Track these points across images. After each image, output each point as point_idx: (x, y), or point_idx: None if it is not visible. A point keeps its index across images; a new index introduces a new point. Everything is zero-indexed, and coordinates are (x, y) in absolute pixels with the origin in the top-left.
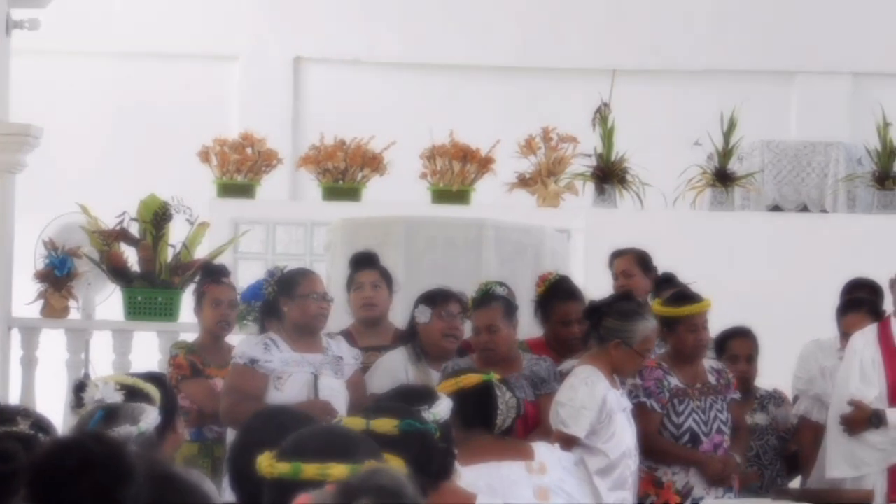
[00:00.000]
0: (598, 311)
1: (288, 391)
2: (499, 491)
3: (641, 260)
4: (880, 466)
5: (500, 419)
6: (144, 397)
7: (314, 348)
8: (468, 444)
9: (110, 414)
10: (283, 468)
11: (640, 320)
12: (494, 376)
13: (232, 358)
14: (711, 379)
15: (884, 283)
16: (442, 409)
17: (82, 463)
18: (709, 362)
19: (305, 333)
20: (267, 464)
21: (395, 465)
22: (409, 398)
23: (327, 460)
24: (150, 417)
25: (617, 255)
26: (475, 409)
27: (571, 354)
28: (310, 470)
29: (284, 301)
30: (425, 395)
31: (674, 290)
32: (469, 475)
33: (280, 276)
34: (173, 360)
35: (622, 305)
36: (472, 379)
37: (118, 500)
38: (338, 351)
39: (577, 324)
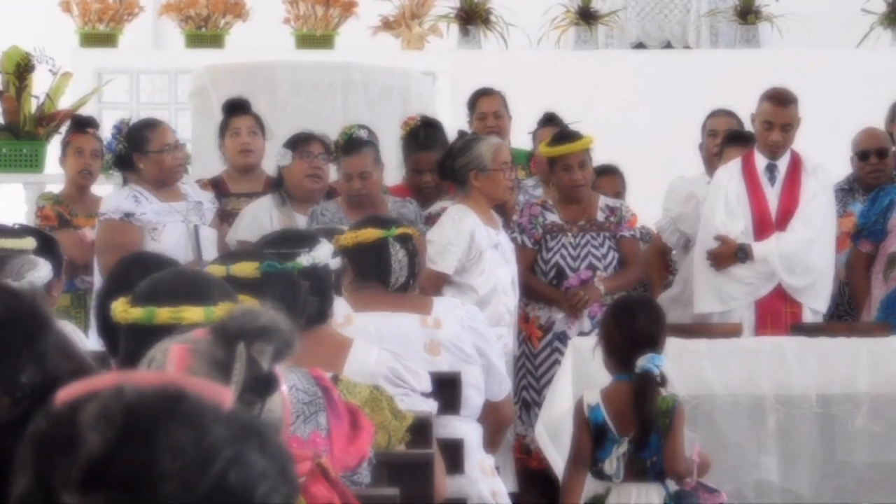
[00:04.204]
0: (444, 165)
1: (165, 242)
2: (388, 340)
3: (505, 100)
4: (747, 300)
5: (394, 277)
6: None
7: (176, 196)
8: (363, 294)
9: None
10: (137, 313)
11: (479, 142)
12: (395, 231)
13: (101, 214)
14: (600, 216)
15: (745, 118)
16: (321, 253)
17: (7, 316)
18: (606, 200)
19: (165, 185)
20: (121, 309)
21: (253, 306)
22: (290, 241)
23: (180, 303)
24: (39, 273)
25: (483, 95)
26: (370, 264)
27: (426, 201)
28: (163, 314)
29: (138, 157)
30: (306, 239)
31: (556, 130)
32: (361, 321)
33: (127, 130)
34: (40, 212)
35: (457, 143)
36: (370, 234)
37: (40, 351)
38: (196, 196)
39: (428, 173)
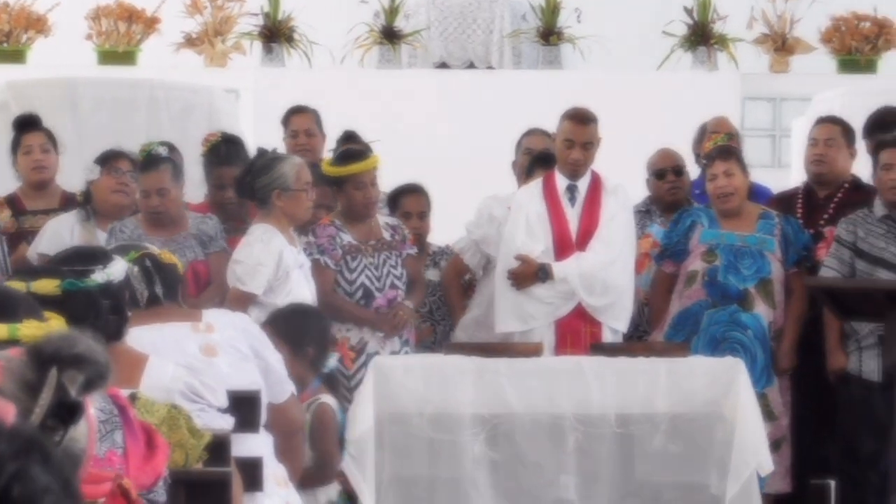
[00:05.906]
0: (243, 183)
1: None
2: (162, 349)
3: (318, 119)
4: (548, 320)
5: (138, 295)
6: None
7: None
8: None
9: None
10: None
11: (281, 162)
12: (133, 255)
13: None
14: (386, 235)
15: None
16: (116, 269)
17: None
18: (384, 219)
19: None
20: None
21: (59, 325)
22: (83, 258)
23: None
24: None
25: (296, 113)
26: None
27: (229, 217)
28: None
29: None
30: (99, 256)
31: (342, 149)
32: (133, 334)
33: None
34: None
35: (258, 162)
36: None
37: None
38: None
39: (230, 188)
